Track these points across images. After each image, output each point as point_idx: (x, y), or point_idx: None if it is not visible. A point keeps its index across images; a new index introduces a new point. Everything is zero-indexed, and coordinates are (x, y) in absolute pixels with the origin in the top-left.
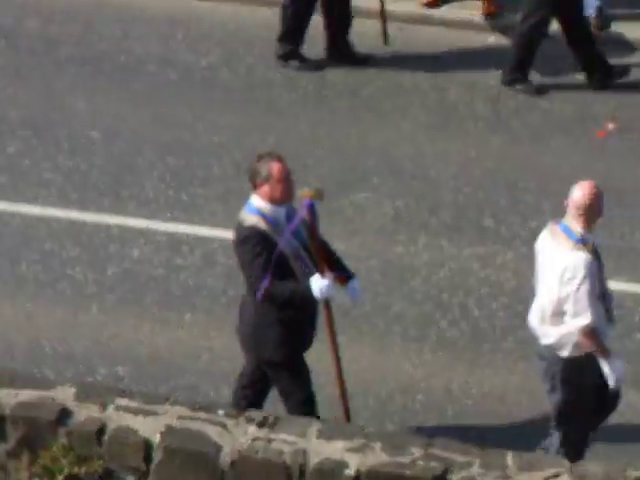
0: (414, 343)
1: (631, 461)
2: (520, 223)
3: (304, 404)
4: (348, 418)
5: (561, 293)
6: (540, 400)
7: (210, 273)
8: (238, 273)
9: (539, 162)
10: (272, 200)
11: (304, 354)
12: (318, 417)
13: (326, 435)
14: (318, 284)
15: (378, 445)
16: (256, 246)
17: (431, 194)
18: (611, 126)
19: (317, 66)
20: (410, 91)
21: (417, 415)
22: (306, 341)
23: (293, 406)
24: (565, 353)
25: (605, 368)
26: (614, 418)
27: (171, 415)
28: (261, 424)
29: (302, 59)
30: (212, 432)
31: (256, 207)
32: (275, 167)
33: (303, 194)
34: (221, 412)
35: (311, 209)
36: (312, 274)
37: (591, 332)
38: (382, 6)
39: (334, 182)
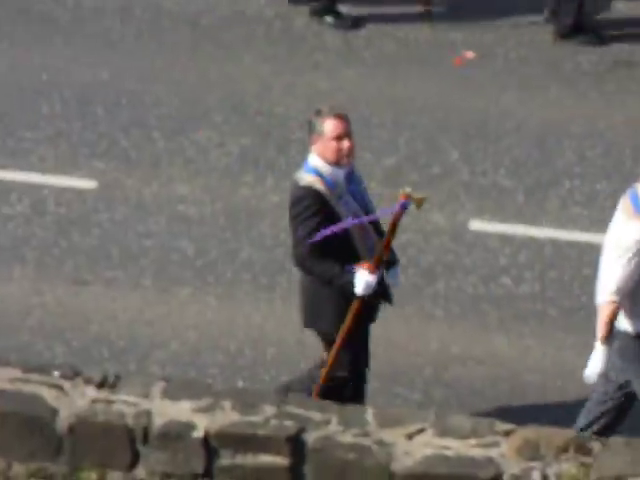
0: (264, 292)
1: (501, 414)
2: (375, 161)
3: (348, 386)
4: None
5: (615, 268)
6: (400, 349)
7: (40, 223)
8: (70, 222)
9: (393, 94)
10: (324, 159)
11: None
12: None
13: (171, 395)
14: (364, 279)
15: (228, 404)
16: (310, 207)
17: (279, 131)
18: (470, 54)
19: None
20: (253, 20)
21: (269, 370)
22: (370, 312)
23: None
24: (625, 327)
25: (593, 356)
26: (477, 370)
27: (1, 378)
28: (100, 385)
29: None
30: (47, 395)
31: (313, 166)
32: (331, 123)
33: (405, 193)
34: (56, 373)
35: (403, 209)
36: (371, 243)
37: (609, 314)
38: None
39: (173, 120)
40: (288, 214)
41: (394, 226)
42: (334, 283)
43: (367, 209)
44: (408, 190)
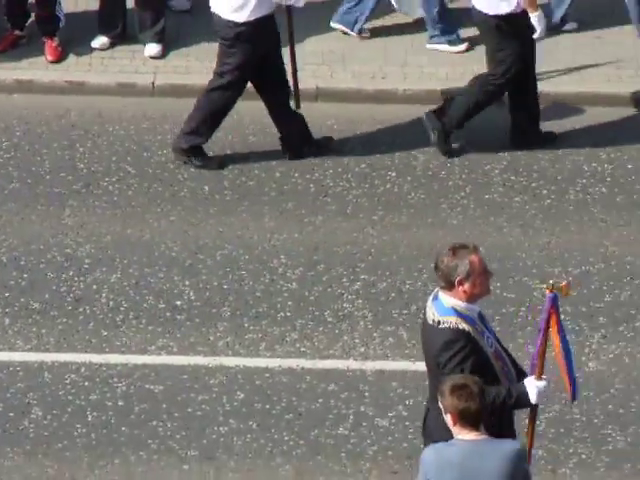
0: None
1: None
2: None
3: None
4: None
5: None
6: None
7: None
8: None
9: None
10: (471, 297)
11: None
12: None
13: None
14: (536, 386)
15: None
16: (463, 349)
17: None
18: None
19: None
20: None
21: None
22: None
23: None
24: None
25: None
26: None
27: None
28: None
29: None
30: None
31: (450, 306)
32: (476, 259)
33: (549, 287)
34: None
35: (554, 302)
36: (510, 375)
37: None
38: None
39: None
40: (433, 358)
41: (549, 323)
42: (507, 404)
43: (499, 340)
44: (551, 282)
